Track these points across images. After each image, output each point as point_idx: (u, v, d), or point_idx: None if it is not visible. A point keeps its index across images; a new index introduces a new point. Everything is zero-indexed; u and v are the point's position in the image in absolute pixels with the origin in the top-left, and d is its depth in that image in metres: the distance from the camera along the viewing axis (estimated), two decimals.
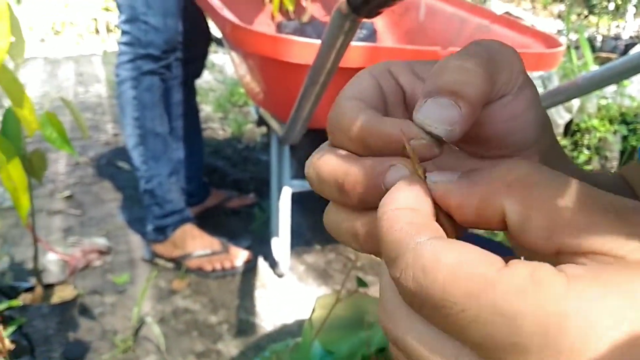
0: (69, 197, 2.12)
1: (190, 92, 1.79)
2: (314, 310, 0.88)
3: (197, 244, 1.66)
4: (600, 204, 0.18)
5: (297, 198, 1.64)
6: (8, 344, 0.95)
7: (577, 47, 3.24)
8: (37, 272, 1.07)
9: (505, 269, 0.17)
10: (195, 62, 1.76)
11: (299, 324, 1.44)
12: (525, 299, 0.16)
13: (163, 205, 1.65)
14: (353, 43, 0.88)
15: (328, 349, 0.83)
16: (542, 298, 0.16)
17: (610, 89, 2.44)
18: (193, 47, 1.67)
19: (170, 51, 1.57)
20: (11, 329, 0.96)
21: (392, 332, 0.20)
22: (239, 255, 1.67)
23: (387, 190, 0.21)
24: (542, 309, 0.15)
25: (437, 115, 0.21)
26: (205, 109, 3.34)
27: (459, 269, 0.17)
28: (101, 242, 1.79)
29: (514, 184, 0.19)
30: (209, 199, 1.98)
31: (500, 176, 0.20)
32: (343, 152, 0.24)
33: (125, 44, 1.54)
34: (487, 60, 0.23)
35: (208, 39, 1.78)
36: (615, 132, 2.34)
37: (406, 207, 0.20)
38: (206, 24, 1.71)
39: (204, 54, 1.80)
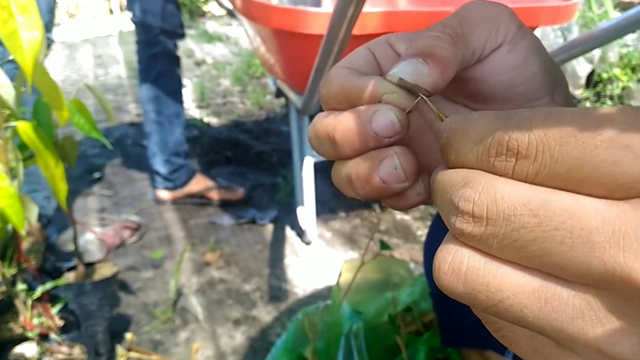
0: (100, 179, 2.19)
1: None
2: (340, 274, 0.92)
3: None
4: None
5: (319, 167, 1.67)
6: (57, 321, 1.02)
7: None
8: (77, 253, 1.13)
9: None
10: None
11: (329, 289, 1.49)
12: None
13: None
14: (366, 9, 0.89)
15: (356, 309, 0.87)
16: None
17: (632, 36, 2.39)
18: None
19: None
20: (59, 306, 1.02)
21: (485, 193, 0.17)
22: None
23: (375, 134, 0.24)
24: None
25: (406, 70, 0.24)
26: (224, 82, 3.36)
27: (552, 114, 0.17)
28: (132, 218, 1.85)
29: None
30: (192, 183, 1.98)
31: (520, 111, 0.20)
32: (333, 112, 0.26)
33: None
34: (458, 24, 0.25)
35: None
36: (638, 81, 2.30)
37: None
38: None
39: None
